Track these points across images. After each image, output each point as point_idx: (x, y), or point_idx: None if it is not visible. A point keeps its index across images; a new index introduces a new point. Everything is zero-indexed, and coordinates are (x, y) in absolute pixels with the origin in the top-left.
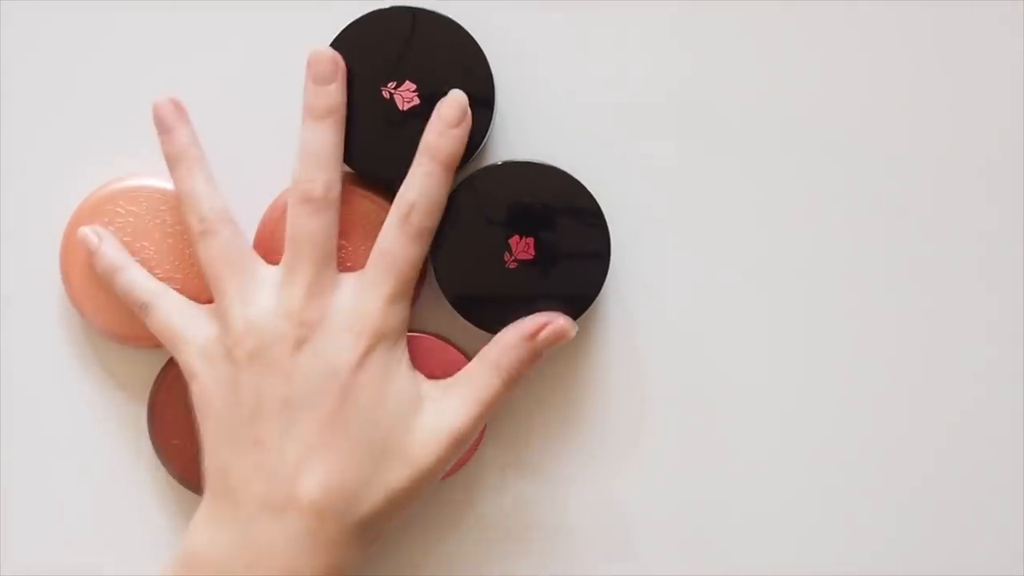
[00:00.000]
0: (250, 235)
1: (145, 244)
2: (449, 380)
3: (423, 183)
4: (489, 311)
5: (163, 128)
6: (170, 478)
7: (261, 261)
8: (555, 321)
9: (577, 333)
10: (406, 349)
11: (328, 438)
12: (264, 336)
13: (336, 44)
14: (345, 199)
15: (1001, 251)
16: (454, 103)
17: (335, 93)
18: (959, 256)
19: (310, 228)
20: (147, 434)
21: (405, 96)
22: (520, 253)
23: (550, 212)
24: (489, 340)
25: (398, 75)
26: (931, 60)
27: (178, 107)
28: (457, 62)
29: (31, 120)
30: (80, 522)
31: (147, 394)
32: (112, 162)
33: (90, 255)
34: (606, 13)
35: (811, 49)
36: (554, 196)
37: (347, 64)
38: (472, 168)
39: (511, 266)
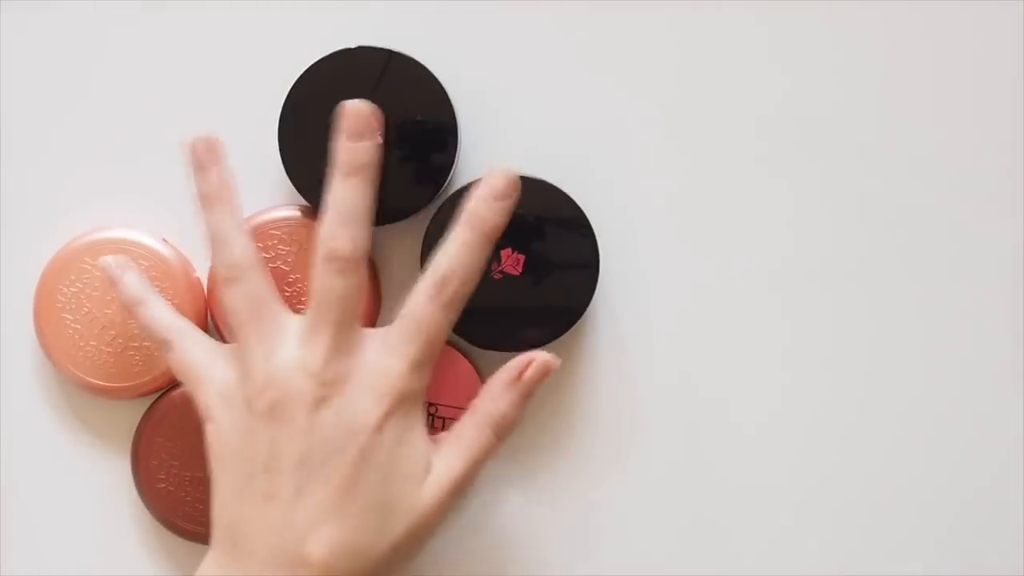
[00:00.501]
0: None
1: (114, 297)
2: (446, 435)
3: (462, 253)
4: (476, 323)
5: (199, 166)
6: (157, 524)
7: (286, 310)
8: (537, 357)
9: (567, 344)
10: (424, 413)
11: (341, 499)
12: (284, 391)
13: (299, 83)
14: (306, 235)
15: (992, 253)
16: (505, 175)
17: (370, 149)
18: (942, 256)
19: (336, 287)
20: (130, 482)
21: None
22: (509, 267)
23: (539, 224)
24: (476, 351)
25: None
26: (908, 61)
27: (214, 144)
28: (420, 100)
29: None
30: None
31: (127, 443)
32: (79, 215)
33: (112, 284)
34: (582, 22)
35: (801, 54)
36: (543, 209)
37: (309, 103)
38: (435, 205)
39: (496, 277)
